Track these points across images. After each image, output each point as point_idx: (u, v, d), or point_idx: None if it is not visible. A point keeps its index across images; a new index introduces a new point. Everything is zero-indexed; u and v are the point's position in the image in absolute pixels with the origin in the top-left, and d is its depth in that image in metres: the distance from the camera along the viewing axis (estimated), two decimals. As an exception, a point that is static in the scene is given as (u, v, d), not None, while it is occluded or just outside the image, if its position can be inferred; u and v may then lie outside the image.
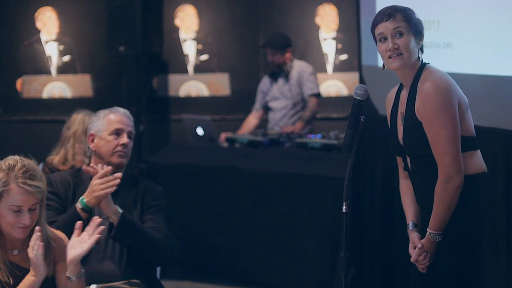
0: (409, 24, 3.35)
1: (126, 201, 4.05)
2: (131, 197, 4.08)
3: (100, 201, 3.90)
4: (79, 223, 3.46)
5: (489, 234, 3.32)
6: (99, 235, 3.39)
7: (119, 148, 4.05)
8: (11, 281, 3.24)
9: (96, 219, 3.48)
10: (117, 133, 4.07)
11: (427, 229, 3.39)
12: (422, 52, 3.42)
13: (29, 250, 3.23)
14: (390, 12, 3.38)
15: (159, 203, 4.13)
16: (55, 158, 5.47)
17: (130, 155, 4.12)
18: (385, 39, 3.37)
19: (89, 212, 3.92)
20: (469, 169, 3.33)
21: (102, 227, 3.41)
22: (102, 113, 4.15)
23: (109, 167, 3.94)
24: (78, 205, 3.91)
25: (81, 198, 3.92)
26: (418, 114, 3.34)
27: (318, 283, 5.74)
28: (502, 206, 3.45)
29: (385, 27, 3.37)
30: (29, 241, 3.28)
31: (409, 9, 3.40)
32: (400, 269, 5.18)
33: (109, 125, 4.08)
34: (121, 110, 4.15)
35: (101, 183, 3.88)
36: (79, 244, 3.35)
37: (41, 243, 3.23)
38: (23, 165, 3.23)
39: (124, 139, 4.06)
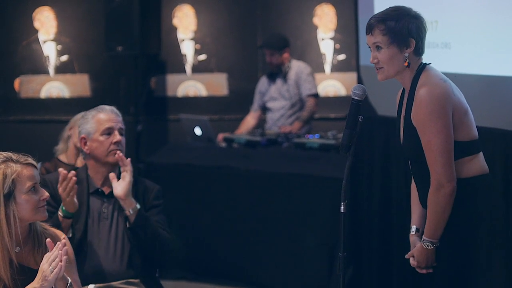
0: (389, 37, 3.33)
1: None
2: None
3: (74, 202, 3.91)
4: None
5: (487, 236, 3.32)
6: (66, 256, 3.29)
7: (113, 147, 4.04)
8: (11, 282, 3.22)
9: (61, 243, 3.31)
10: (108, 132, 4.05)
11: (423, 236, 3.39)
12: (420, 54, 3.39)
13: (45, 264, 3.14)
14: (370, 25, 3.37)
15: (159, 203, 4.15)
16: (65, 154, 5.45)
17: (124, 151, 4.10)
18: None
19: (72, 218, 3.94)
20: (468, 172, 3.33)
21: (66, 247, 3.28)
22: (89, 114, 4.12)
23: (65, 172, 3.89)
24: (60, 213, 3.93)
25: (61, 205, 3.92)
26: (413, 121, 3.34)
27: (316, 283, 5.74)
28: (501, 207, 3.44)
29: (368, 40, 3.40)
30: (30, 238, 3.29)
31: (392, 17, 3.34)
32: (398, 269, 5.18)
33: (99, 125, 4.05)
34: (108, 107, 4.13)
35: (63, 189, 3.87)
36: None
37: (62, 264, 3.14)
38: (13, 153, 3.27)
39: (116, 136, 4.04)
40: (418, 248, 3.40)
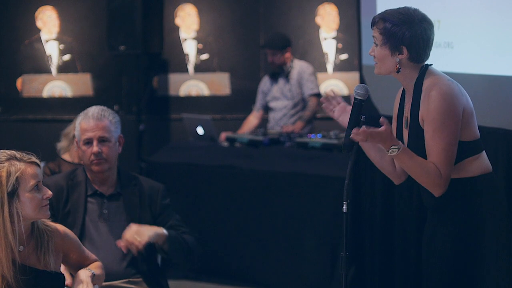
0: (383, 37, 3.31)
1: (131, 200, 4.04)
2: (135, 196, 4.06)
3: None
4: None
5: (491, 236, 3.31)
6: None
7: (92, 157, 3.99)
8: (14, 281, 3.22)
9: None
10: (88, 142, 4.00)
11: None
12: (418, 61, 3.31)
13: None
14: (373, 19, 3.36)
15: (168, 202, 4.13)
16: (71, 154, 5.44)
17: (112, 155, 4.03)
18: None
19: None
20: (474, 171, 3.32)
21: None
22: (78, 119, 4.07)
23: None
24: None
25: None
26: (422, 123, 3.31)
27: (318, 282, 5.74)
28: (504, 207, 3.43)
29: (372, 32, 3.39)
30: (33, 237, 3.30)
31: (393, 19, 3.29)
32: (400, 268, 5.18)
33: (81, 135, 4.02)
34: (91, 112, 4.02)
35: None
36: None
37: None
38: (16, 151, 3.27)
39: (94, 148, 3.98)
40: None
